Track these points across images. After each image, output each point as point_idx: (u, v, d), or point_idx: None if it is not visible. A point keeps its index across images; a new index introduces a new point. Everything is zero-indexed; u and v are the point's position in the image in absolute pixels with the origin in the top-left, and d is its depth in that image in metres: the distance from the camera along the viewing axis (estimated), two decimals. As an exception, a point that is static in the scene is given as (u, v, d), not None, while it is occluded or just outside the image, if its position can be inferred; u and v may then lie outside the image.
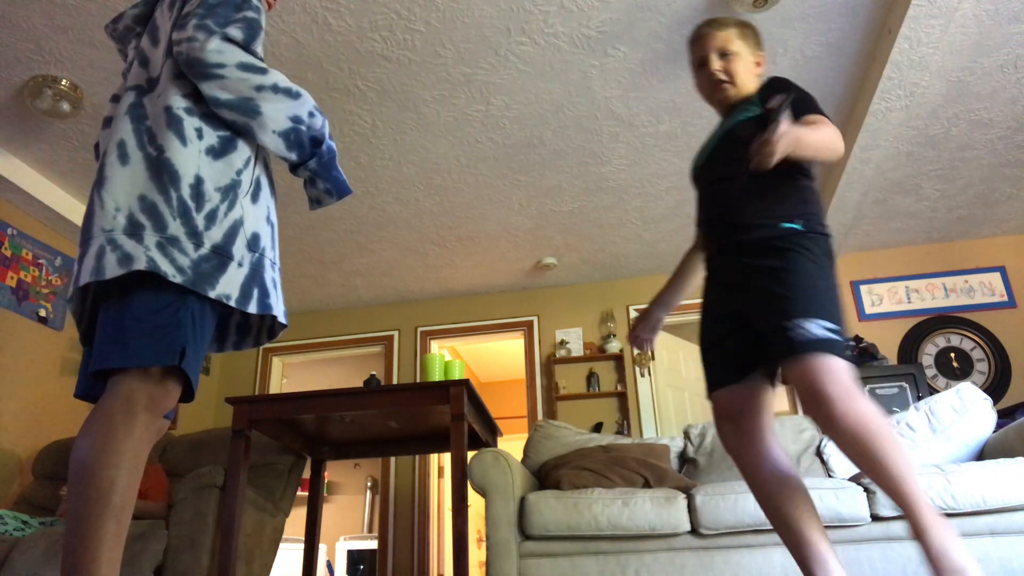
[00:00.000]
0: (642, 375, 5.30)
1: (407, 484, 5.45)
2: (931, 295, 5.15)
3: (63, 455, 3.54)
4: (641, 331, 2.06)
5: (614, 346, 5.33)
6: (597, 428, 5.05)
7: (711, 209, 1.77)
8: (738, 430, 1.71)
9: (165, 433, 4.08)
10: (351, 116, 3.60)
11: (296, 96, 1.39)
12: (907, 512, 1.40)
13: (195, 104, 1.34)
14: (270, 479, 3.20)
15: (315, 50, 3.16)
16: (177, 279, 1.22)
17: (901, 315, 5.14)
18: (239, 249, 1.31)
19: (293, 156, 1.40)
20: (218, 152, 1.34)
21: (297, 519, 5.84)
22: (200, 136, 1.32)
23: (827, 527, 2.42)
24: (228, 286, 1.28)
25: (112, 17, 1.56)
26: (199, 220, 1.27)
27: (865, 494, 2.43)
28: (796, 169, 1.69)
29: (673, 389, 5.48)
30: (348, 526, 7.39)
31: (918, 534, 1.39)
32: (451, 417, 2.61)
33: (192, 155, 1.30)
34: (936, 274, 5.19)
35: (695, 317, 5.53)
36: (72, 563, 1.09)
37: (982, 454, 2.86)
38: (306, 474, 3.37)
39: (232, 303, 1.28)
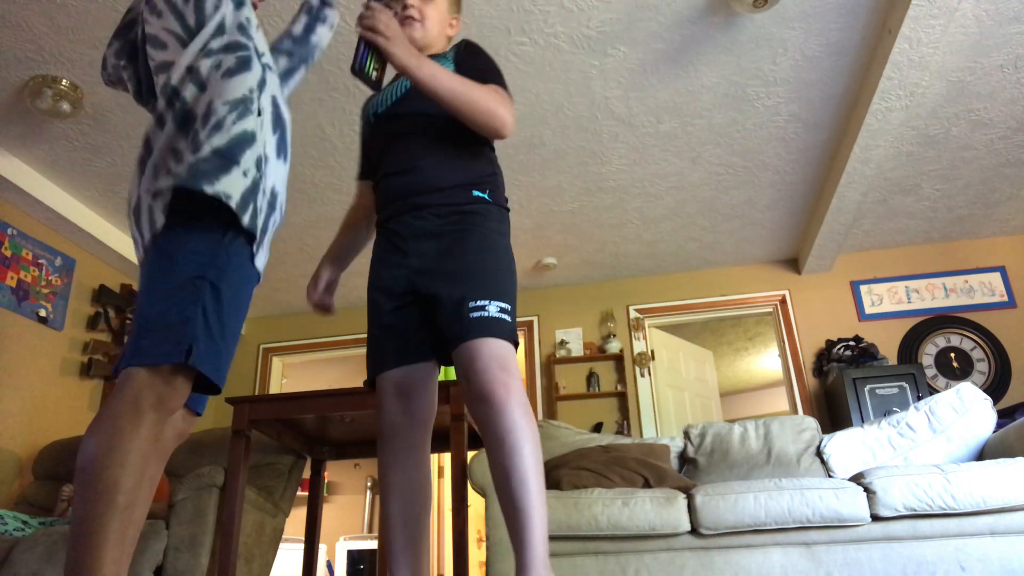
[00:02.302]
0: (642, 375, 5.30)
1: (407, 484, 5.44)
2: (931, 295, 5.15)
3: (63, 455, 3.54)
4: (313, 295, 1.81)
5: (614, 346, 5.33)
6: (597, 428, 5.05)
7: (390, 164, 1.63)
8: (408, 410, 1.54)
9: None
10: (351, 116, 3.60)
11: None
12: (521, 542, 1.29)
13: (212, 39, 1.36)
14: (270, 479, 3.20)
15: (315, 50, 3.15)
16: (169, 183, 1.22)
17: (901, 315, 5.13)
18: (247, 160, 1.27)
19: None
20: (233, 71, 1.33)
21: (297, 519, 5.83)
22: (218, 67, 1.33)
23: (827, 527, 2.42)
24: (229, 186, 1.23)
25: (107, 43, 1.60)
26: (203, 133, 1.26)
27: (865, 494, 2.43)
28: (476, 135, 1.61)
29: (673, 389, 5.49)
30: (348, 526, 7.39)
31: (520, 568, 1.26)
32: (451, 417, 2.60)
33: (208, 92, 1.31)
34: (936, 274, 5.19)
35: (695, 317, 5.57)
36: (75, 560, 1.09)
37: (982, 454, 2.86)
38: (306, 474, 3.37)
39: (233, 204, 1.23)
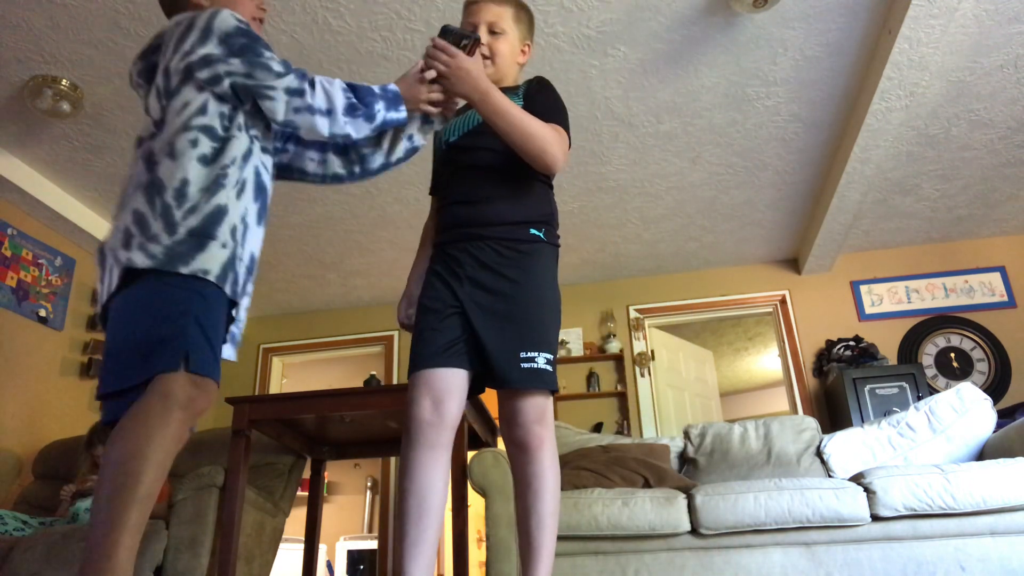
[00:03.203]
0: (642, 375, 5.30)
1: (407, 484, 5.44)
2: (931, 295, 5.15)
3: (63, 455, 3.54)
4: (402, 315, 1.87)
5: (614, 346, 5.33)
6: (597, 428, 5.05)
7: (455, 193, 1.73)
8: (438, 411, 1.61)
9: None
10: (351, 116, 3.60)
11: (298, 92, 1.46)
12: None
13: (194, 118, 1.42)
14: (270, 479, 3.20)
15: (315, 50, 3.16)
16: (147, 264, 1.31)
17: (901, 315, 5.13)
18: (224, 233, 1.36)
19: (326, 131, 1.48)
20: (209, 159, 1.41)
21: (297, 519, 5.83)
22: (195, 145, 1.40)
23: (827, 527, 2.42)
24: (207, 262, 1.32)
25: (137, 52, 1.65)
26: (178, 215, 1.35)
27: (865, 494, 2.43)
28: (537, 174, 1.71)
29: (673, 389, 5.49)
30: (348, 526, 7.38)
31: None
32: (451, 417, 2.60)
33: (181, 164, 1.38)
34: (936, 274, 5.19)
35: (695, 317, 5.57)
36: (94, 543, 1.16)
37: (982, 454, 2.86)
38: (306, 474, 3.37)
39: (212, 278, 1.32)
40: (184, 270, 1.31)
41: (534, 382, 1.56)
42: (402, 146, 1.70)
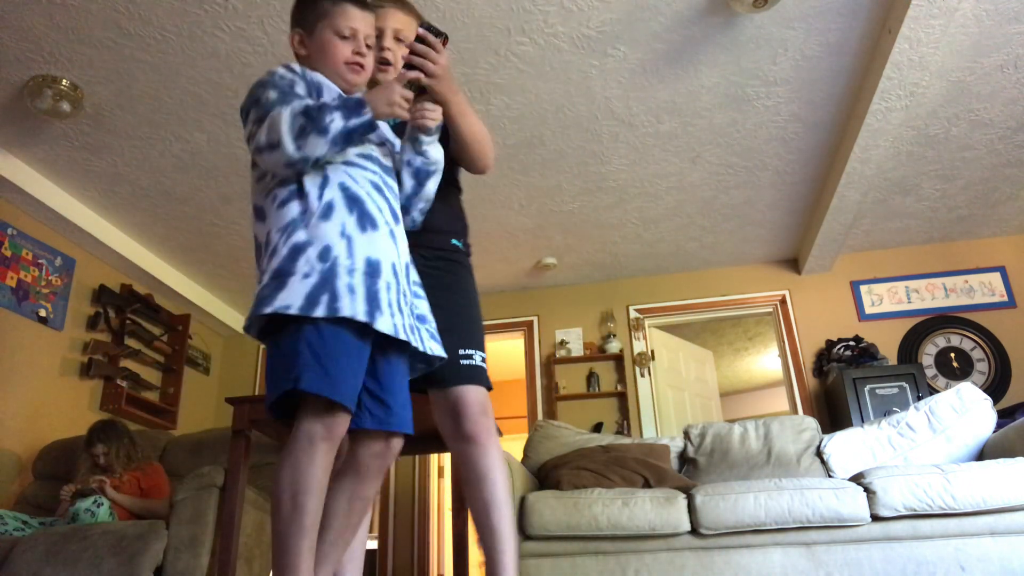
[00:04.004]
0: (642, 375, 5.30)
1: (407, 484, 5.45)
2: (931, 295, 5.15)
3: (63, 455, 3.54)
4: None
5: (614, 346, 5.33)
6: (597, 428, 5.05)
7: None
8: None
9: (166, 432, 4.07)
10: (351, 116, 3.60)
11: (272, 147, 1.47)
12: (499, 564, 1.55)
13: (268, 179, 1.51)
14: (270, 479, 3.20)
15: (315, 50, 3.15)
16: (248, 324, 1.43)
17: (901, 315, 5.13)
18: (303, 264, 1.40)
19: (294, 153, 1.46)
20: (283, 202, 1.47)
21: (297, 519, 5.83)
22: (274, 200, 1.48)
23: (827, 527, 2.42)
24: (287, 298, 1.36)
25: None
26: (264, 261, 1.45)
27: (865, 494, 2.43)
28: (455, 180, 1.75)
29: (673, 389, 5.49)
30: (348, 526, 7.37)
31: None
32: (451, 417, 2.60)
33: (267, 223, 1.48)
34: (936, 274, 5.19)
35: (695, 317, 5.57)
36: (277, 569, 1.33)
37: (982, 454, 2.86)
38: (306, 474, 3.38)
39: (294, 311, 1.35)
40: (268, 310, 1.35)
41: (475, 378, 1.62)
42: (407, 179, 1.62)
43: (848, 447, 2.99)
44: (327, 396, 1.34)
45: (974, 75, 3.47)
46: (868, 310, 5.18)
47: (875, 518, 2.41)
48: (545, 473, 2.96)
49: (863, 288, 5.24)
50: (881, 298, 5.21)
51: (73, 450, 3.43)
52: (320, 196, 1.47)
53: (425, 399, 1.69)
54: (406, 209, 1.64)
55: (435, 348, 1.54)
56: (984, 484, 2.34)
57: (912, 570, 2.35)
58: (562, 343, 5.47)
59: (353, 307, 1.37)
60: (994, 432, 2.89)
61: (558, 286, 5.70)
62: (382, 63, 1.69)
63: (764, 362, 7.95)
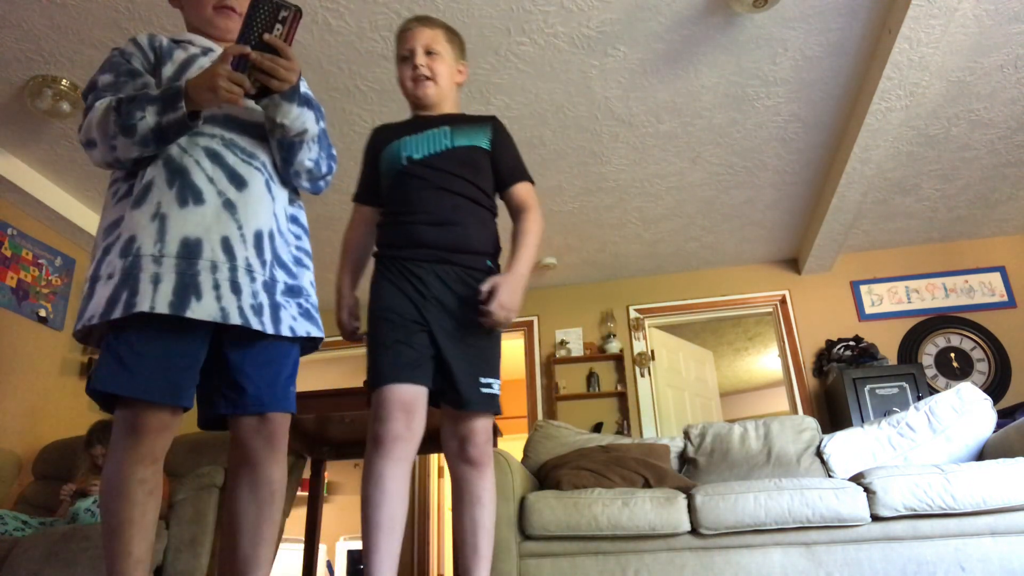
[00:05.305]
0: (642, 375, 5.30)
1: (407, 484, 5.44)
2: (931, 295, 5.15)
3: (63, 455, 3.54)
4: (350, 323, 1.95)
5: (614, 346, 5.33)
6: (597, 428, 5.05)
7: (421, 210, 1.73)
8: (410, 426, 1.65)
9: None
10: (351, 116, 3.60)
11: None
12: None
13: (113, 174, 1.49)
14: (270, 479, 3.19)
15: (315, 50, 3.15)
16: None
17: (901, 315, 5.13)
18: (106, 267, 1.35)
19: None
20: (121, 197, 1.44)
21: (297, 519, 5.84)
22: (115, 195, 1.45)
23: (827, 527, 2.42)
24: (92, 308, 1.33)
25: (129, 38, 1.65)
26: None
27: (865, 494, 2.43)
28: (492, 207, 1.84)
29: (673, 389, 5.49)
30: (348, 526, 7.38)
31: None
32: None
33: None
34: (936, 274, 5.19)
35: (695, 317, 5.57)
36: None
37: (982, 454, 2.86)
38: (306, 474, 3.38)
39: (96, 320, 1.32)
40: (78, 325, 1.36)
41: (491, 407, 1.68)
42: (275, 151, 1.48)
43: (848, 447, 2.99)
44: (113, 392, 1.32)
45: (974, 75, 3.47)
46: (868, 310, 5.18)
47: (875, 518, 2.41)
48: (545, 473, 2.96)
49: (863, 288, 5.24)
50: (881, 298, 5.21)
51: (73, 450, 3.43)
52: (143, 177, 1.38)
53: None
54: (289, 178, 1.52)
55: (301, 327, 1.43)
56: (984, 484, 2.34)
57: (912, 570, 2.35)
58: (562, 343, 5.47)
59: (154, 300, 1.29)
60: (994, 432, 2.88)
61: (558, 286, 5.70)
62: (420, 77, 1.80)
63: (764, 362, 7.94)
